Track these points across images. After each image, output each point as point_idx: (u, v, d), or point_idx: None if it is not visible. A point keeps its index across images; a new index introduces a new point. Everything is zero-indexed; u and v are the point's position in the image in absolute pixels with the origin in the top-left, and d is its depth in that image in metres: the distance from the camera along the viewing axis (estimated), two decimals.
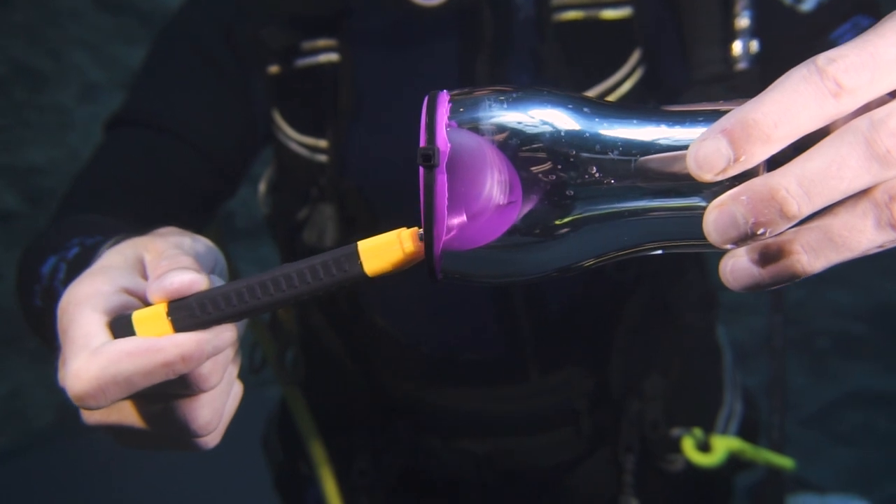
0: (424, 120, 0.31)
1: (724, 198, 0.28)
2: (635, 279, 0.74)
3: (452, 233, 0.31)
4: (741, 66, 0.62)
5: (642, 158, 0.30)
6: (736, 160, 0.27)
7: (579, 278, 0.72)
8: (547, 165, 0.31)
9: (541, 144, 0.31)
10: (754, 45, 0.62)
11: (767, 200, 0.27)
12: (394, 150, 0.70)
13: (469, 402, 0.76)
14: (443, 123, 0.31)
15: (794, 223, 0.27)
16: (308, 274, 0.34)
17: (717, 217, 0.28)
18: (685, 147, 0.30)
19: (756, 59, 0.62)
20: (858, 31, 0.59)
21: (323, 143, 0.71)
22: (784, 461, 0.80)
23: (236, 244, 2.38)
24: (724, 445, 0.74)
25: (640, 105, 0.32)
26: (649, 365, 0.77)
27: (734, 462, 0.78)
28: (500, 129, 0.31)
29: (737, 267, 0.29)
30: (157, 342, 0.34)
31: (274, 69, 0.71)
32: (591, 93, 0.66)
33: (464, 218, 0.31)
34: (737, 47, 0.62)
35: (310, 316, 0.80)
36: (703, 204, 0.30)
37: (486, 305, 0.72)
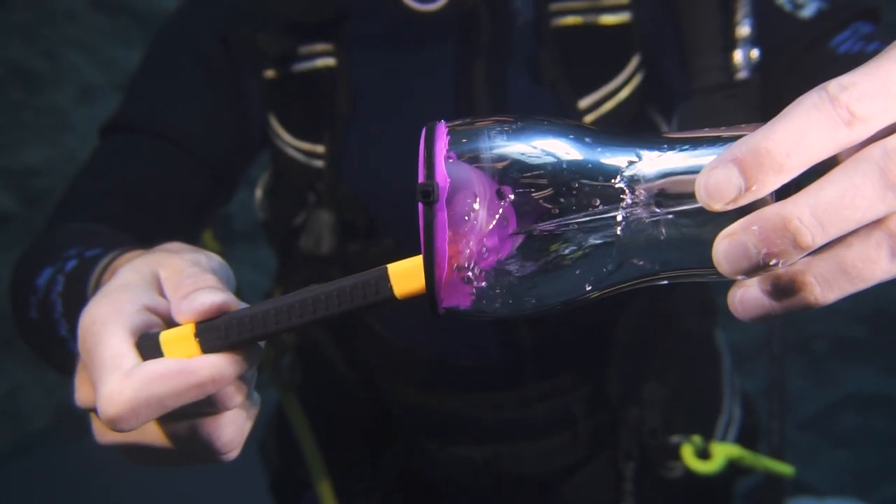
0: (423, 154, 0.30)
1: (734, 227, 0.27)
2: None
3: (453, 267, 0.30)
4: (742, 74, 0.61)
5: (647, 188, 0.30)
6: (747, 189, 0.27)
7: None
8: (549, 196, 0.30)
9: (543, 175, 0.30)
10: (755, 54, 0.62)
11: (780, 230, 0.26)
12: (391, 156, 0.70)
13: (466, 408, 0.76)
14: (441, 157, 0.30)
15: (806, 253, 0.27)
16: (336, 296, 0.34)
17: (728, 247, 0.27)
18: (692, 174, 0.29)
19: (757, 68, 0.61)
20: (858, 37, 0.59)
21: (320, 149, 0.70)
22: (784, 468, 0.79)
23: (234, 247, 2.38)
24: (723, 453, 0.74)
25: (642, 133, 0.32)
26: (648, 371, 0.77)
27: (733, 468, 0.77)
28: (501, 160, 0.30)
29: (746, 297, 0.29)
30: (189, 364, 0.34)
31: (270, 74, 0.71)
32: (590, 98, 0.66)
33: (464, 252, 0.30)
34: (737, 56, 0.62)
35: None
36: (711, 233, 0.29)
37: None
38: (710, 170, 0.27)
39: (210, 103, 0.71)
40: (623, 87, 0.66)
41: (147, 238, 0.65)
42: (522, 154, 0.30)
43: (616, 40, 0.66)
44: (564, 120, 0.32)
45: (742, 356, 0.94)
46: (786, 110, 0.27)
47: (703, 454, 0.74)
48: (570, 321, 0.74)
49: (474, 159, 0.30)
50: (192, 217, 0.71)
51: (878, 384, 2.41)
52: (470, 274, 0.31)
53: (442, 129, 0.31)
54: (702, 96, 0.62)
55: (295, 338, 0.81)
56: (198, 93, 0.71)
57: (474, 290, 0.31)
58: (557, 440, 0.76)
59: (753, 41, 0.61)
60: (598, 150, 0.31)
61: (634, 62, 0.67)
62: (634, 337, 0.75)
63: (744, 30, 0.61)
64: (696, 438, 0.75)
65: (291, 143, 0.71)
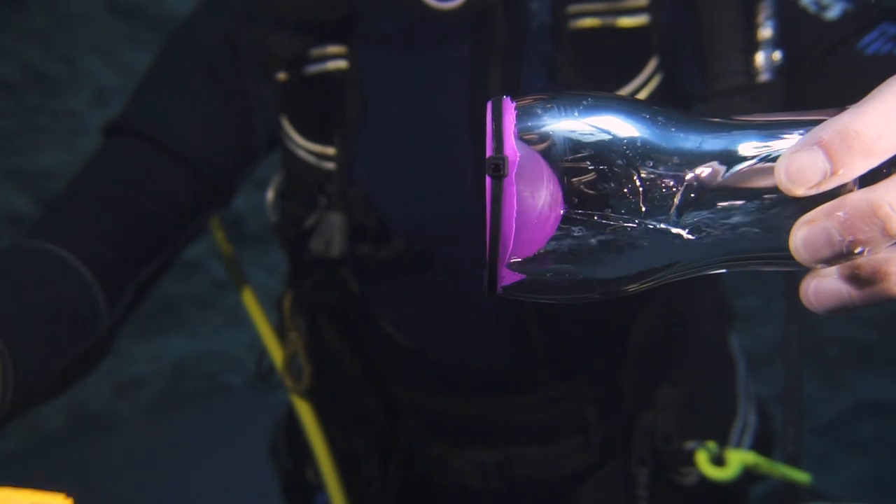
0: (491, 127, 0.29)
1: (815, 213, 0.26)
2: (649, 289, 0.73)
3: (519, 246, 0.29)
4: (764, 77, 0.60)
5: (722, 170, 0.28)
6: (833, 174, 0.26)
7: None
8: (618, 178, 0.29)
9: (614, 156, 0.28)
10: (777, 56, 0.61)
11: (868, 217, 0.25)
12: (403, 157, 0.70)
13: (478, 411, 0.76)
14: (510, 131, 0.29)
15: (893, 242, 0.26)
16: None
17: (809, 234, 0.26)
18: (769, 159, 0.28)
19: (779, 71, 0.61)
20: (887, 38, 0.58)
21: (330, 151, 0.70)
22: (800, 476, 0.78)
23: (246, 249, 2.39)
24: (738, 459, 0.73)
25: (714, 115, 0.30)
26: (662, 376, 0.76)
27: (749, 475, 0.77)
28: (568, 138, 0.29)
29: (822, 288, 0.27)
30: None
31: (282, 76, 0.71)
32: None
33: (527, 230, 0.29)
34: (759, 58, 0.61)
35: (318, 323, 0.80)
36: (785, 221, 0.27)
37: (495, 313, 0.72)
38: (793, 153, 0.26)
39: (212, 112, 0.72)
40: (641, 89, 0.66)
41: (133, 243, 0.66)
42: (590, 133, 0.29)
43: (634, 43, 0.65)
44: (637, 98, 0.31)
45: (755, 362, 0.93)
46: (876, 91, 0.26)
47: (718, 460, 0.74)
48: (583, 324, 0.74)
49: (541, 135, 0.29)
50: (181, 223, 0.71)
51: (892, 391, 2.38)
52: (530, 253, 0.30)
53: (509, 104, 0.30)
54: (721, 99, 0.61)
55: (306, 338, 0.82)
56: (201, 101, 0.72)
57: (531, 269, 0.30)
58: (569, 444, 0.76)
59: (775, 43, 0.60)
60: (672, 131, 0.29)
61: (652, 65, 0.66)
62: (648, 341, 0.74)
63: (766, 32, 0.60)
64: (711, 444, 0.74)
65: (303, 145, 0.72)
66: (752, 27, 0.61)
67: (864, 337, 2.40)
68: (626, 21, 0.65)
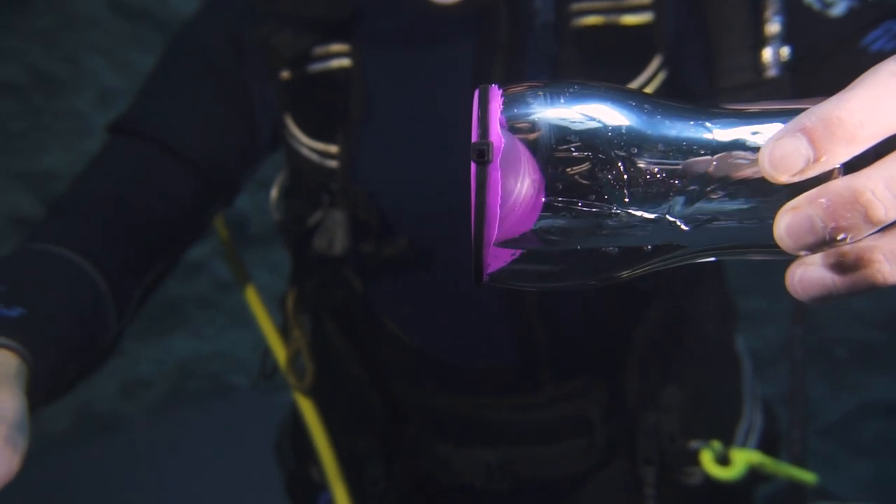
0: (477, 114, 0.30)
1: (799, 200, 0.26)
2: (653, 288, 0.73)
3: (502, 233, 0.30)
4: (772, 73, 0.60)
5: (707, 158, 0.29)
6: (816, 161, 0.26)
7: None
8: (602, 165, 0.29)
9: (598, 143, 0.29)
10: (785, 52, 0.61)
11: (850, 203, 0.25)
12: (405, 155, 0.70)
13: (480, 410, 0.76)
14: (496, 118, 0.29)
15: (877, 229, 0.26)
16: None
17: (792, 221, 0.26)
18: (755, 147, 0.28)
19: (787, 67, 0.61)
20: (891, 35, 0.58)
21: (334, 149, 0.70)
22: (806, 476, 0.78)
23: (249, 250, 2.39)
24: (743, 459, 0.73)
25: (701, 103, 0.30)
26: (666, 375, 0.76)
27: (754, 475, 0.76)
28: (555, 126, 0.29)
29: (807, 276, 0.27)
30: None
31: (286, 74, 0.71)
32: None
33: (512, 215, 0.29)
34: (767, 54, 0.61)
35: (321, 322, 0.80)
36: (771, 208, 0.28)
37: (498, 313, 0.72)
38: (777, 140, 0.26)
39: (215, 112, 0.72)
40: (645, 87, 0.66)
41: (137, 243, 0.66)
42: (576, 121, 0.29)
43: (637, 41, 0.65)
44: (624, 87, 0.31)
45: (760, 363, 0.93)
46: (860, 79, 0.26)
47: (723, 460, 0.73)
48: (585, 323, 0.73)
49: (527, 123, 0.29)
50: (184, 224, 0.71)
51: None
52: (516, 238, 0.30)
53: (496, 91, 0.30)
54: (729, 95, 0.61)
55: (309, 336, 0.82)
56: (203, 101, 0.72)
57: (518, 255, 0.30)
58: (573, 444, 0.76)
59: (783, 39, 0.60)
60: (658, 118, 0.29)
61: (656, 62, 0.66)
62: (653, 340, 0.74)
63: (773, 27, 0.60)
64: (716, 444, 0.74)
65: (306, 143, 0.72)
66: (759, 23, 0.60)
67: (869, 337, 2.39)
68: (630, 19, 0.65)
